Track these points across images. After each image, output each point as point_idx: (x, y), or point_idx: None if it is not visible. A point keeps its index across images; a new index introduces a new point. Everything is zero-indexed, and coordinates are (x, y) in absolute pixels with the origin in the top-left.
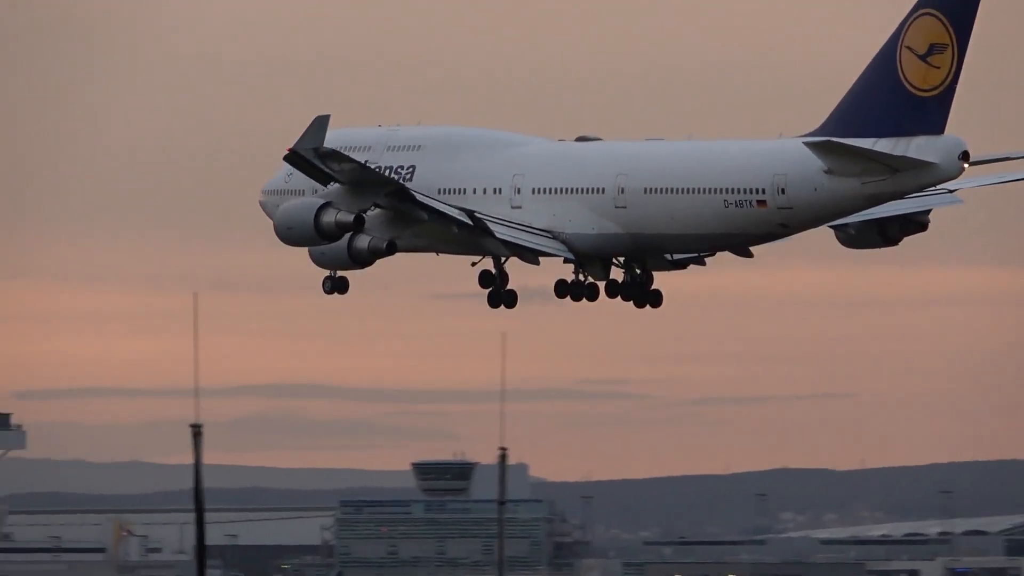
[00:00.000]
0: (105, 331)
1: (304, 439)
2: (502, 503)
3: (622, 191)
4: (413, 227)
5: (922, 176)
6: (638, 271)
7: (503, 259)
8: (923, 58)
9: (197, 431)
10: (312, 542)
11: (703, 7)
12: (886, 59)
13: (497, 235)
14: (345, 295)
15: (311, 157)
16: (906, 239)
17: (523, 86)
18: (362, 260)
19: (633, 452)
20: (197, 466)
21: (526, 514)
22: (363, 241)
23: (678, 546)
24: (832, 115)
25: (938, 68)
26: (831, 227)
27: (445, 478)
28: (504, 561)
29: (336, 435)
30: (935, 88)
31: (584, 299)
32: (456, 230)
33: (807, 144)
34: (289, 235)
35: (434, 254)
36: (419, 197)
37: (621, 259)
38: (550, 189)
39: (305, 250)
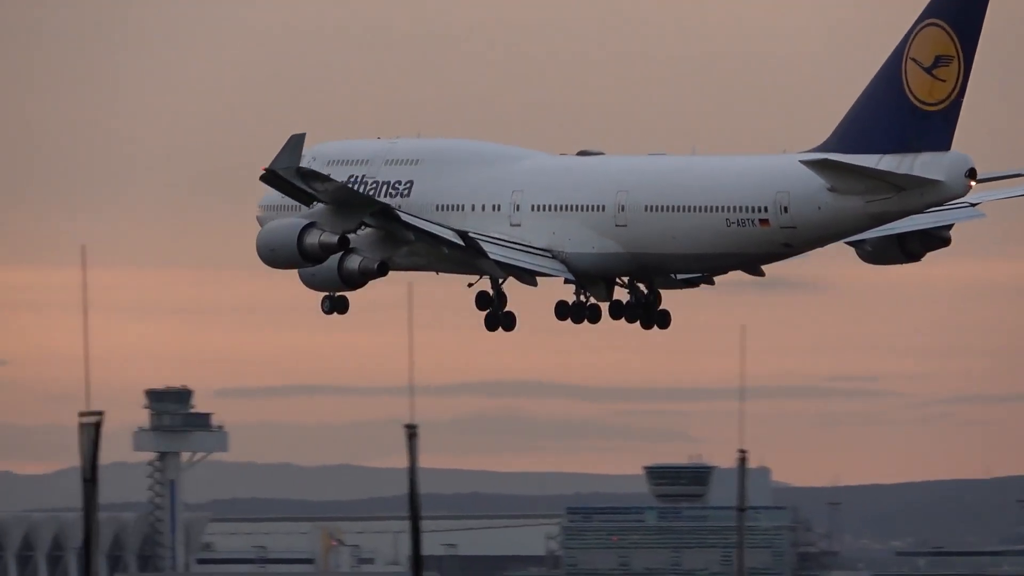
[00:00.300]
0: (309, 325)
1: (527, 440)
2: (742, 510)
3: (622, 209)
4: (405, 246)
5: (928, 195)
6: (645, 291)
7: (501, 280)
8: (929, 70)
9: (412, 432)
10: (536, 552)
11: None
12: (891, 71)
13: (490, 255)
14: (346, 315)
15: (289, 176)
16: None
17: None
18: (353, 281)
19: (883, 454)
20: (412, 470)
21: (768, 522)
22: (354, 261)
23: (933, 557)
24: (837, 129)
25: (944, 81)
26: (847, 243)
27: (680, 483)
28: (744, 573)
29: (562, 436)
30: (941, 102)
31: (586, 321)
32: (447, 250)
33: (804, 162)
34: (272, 257)
35: (434, 273)
36: (404, 217)
37: (625, 279)
38: (550, 206)
39: None
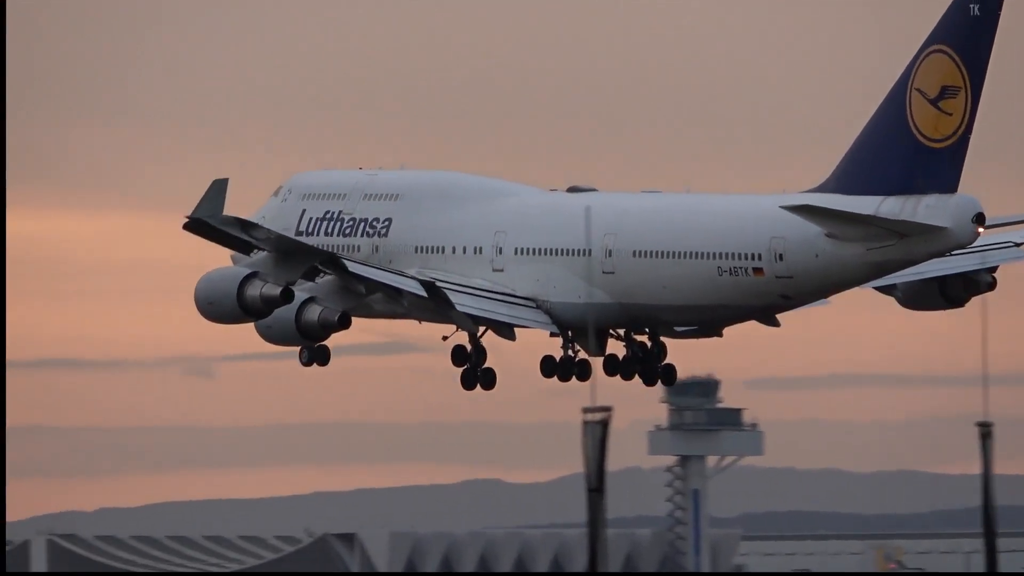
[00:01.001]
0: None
1: None
2: None
3: (609, 254)
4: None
5: (932, 242)
6: (648, 343)
7: (479, 333)
8: (934, 103)
9: (986, 431)
10: None
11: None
12: (895, 104)
13: (458, 307)
14: (327, 366)
15: (217, 224)
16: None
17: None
18: (313, 334)
19: None
20: (986, 476)
21: None
22: (313, 312)
23: None
24: (837, 168)
25: (950, 115)
26: (877, 289)
27: None
28: None
29: None
30: (947, 138)
31: (575, 379)
32: (405, 303)
33: (785, 207)
34: (211, 311)
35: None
36: (351, 267)
37: (621, 330)
38: (534, 250)
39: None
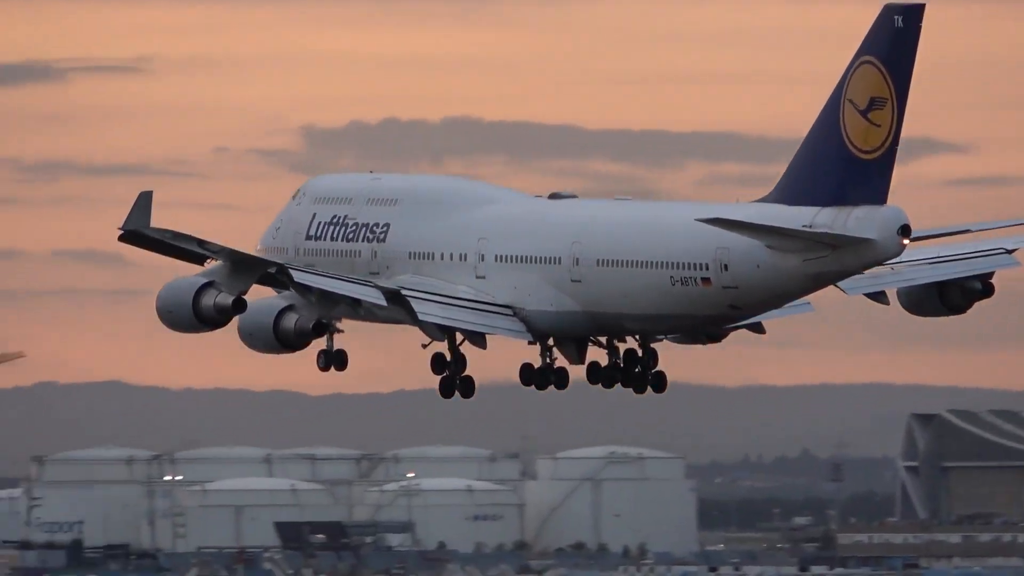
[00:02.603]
0: None
1: None
2: None
3: (577, 262)
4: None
5: (862, 254)
6: (639, 350)
7: (459, 341)
8: (864, 113)
9: None
10: None
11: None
12: (830, 115)
13: (420, 316)
14: (344, 371)
15: (152, 234)
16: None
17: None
18: (291, 343)
19: None
20: None
21: None
22: (289, 320)
23: None
24: (782, 178)
25: (879, 126)
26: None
27: None
28: None
29: None
30: (876, 149)
31: (552, 387)
32: (361, 311)
33: (699, 220)
34: (170, 320)
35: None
36: (298, 277)
37: (604, 338)
38: (512, 257)
39: None
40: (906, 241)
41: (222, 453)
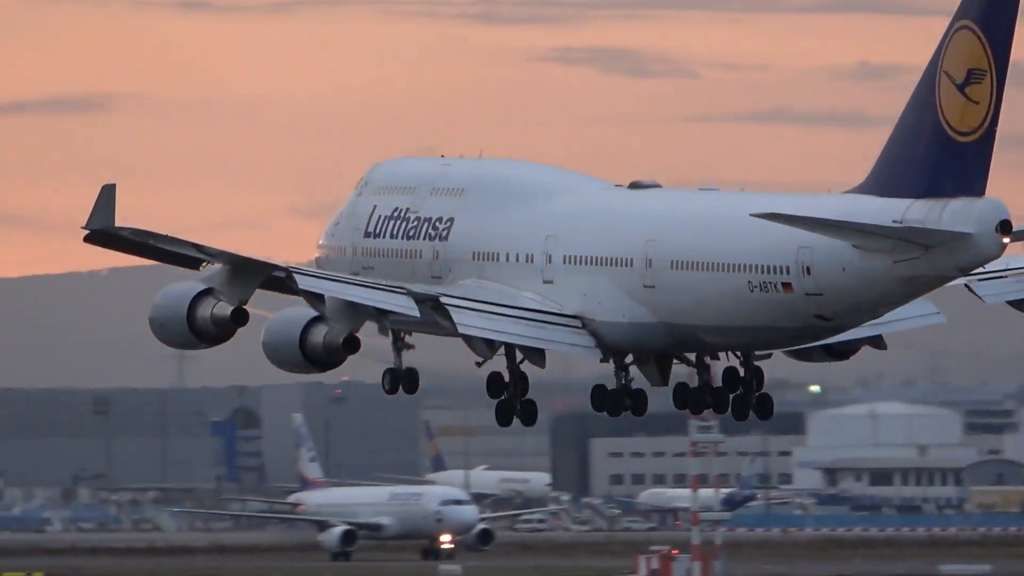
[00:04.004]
0: None
1: None
2: None
3: (650, 264)
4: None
5: (958, 253)
6: (741, 369)
7: (519, 359)
8: (961, 88)
9: None
10: None
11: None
12: (925, 89)
13: (460, 328)
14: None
15: (123, 233)
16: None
17: None
18: (320, 361)
19: None
20: None
21: None
22: (318, 334)
23: None
24: (876, 163)
25: (977, 103)
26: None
27: None
28: None
29: None
30: (974, 131)
31: (631, 412)
32: (388, 323)
33: (755, 216)
34: (163, 334)
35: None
36: (303, 282)
37: (692, 355)
38: (581, 258)
39: None
40: (1007, 239)
41: None
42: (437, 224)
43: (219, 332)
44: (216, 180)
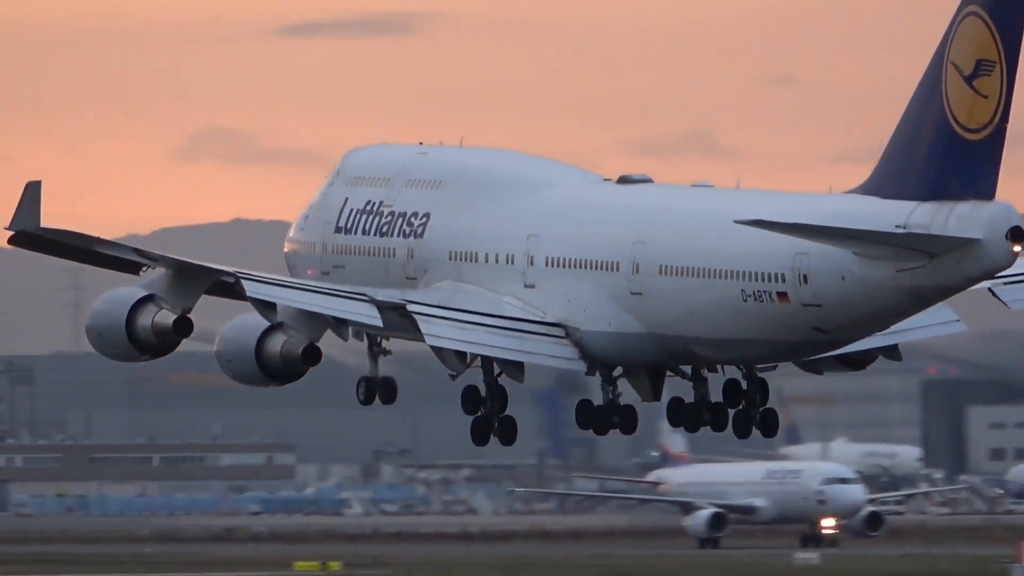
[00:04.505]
0: None
1: None
2: None
3: (637, 269)
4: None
5: (966, 263)
6: (743, 381)
7: (496, 371)
8: (969, 81)
9: None
10: None
11: None
12: (931, 80)
13: (427, 339)
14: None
15: (50, 236)
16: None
17: None
18: (278, 372)
19: None
20: None
21: None
22: (275, 343)
23: None
24: (880, 161)
25: (986, 97)
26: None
27: None
28: None
29: None
30: (983, 128)
31: (618, 431)
32: (350, 333)
33: (740, 222)
34: (101, 344)
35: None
36: (251, 290)
37: (688, 367)
38: (565, 261)
39: None
40: (1018, 248)
41: None
42: (412, 220)
43: (160, 343)
44: (541, 110)
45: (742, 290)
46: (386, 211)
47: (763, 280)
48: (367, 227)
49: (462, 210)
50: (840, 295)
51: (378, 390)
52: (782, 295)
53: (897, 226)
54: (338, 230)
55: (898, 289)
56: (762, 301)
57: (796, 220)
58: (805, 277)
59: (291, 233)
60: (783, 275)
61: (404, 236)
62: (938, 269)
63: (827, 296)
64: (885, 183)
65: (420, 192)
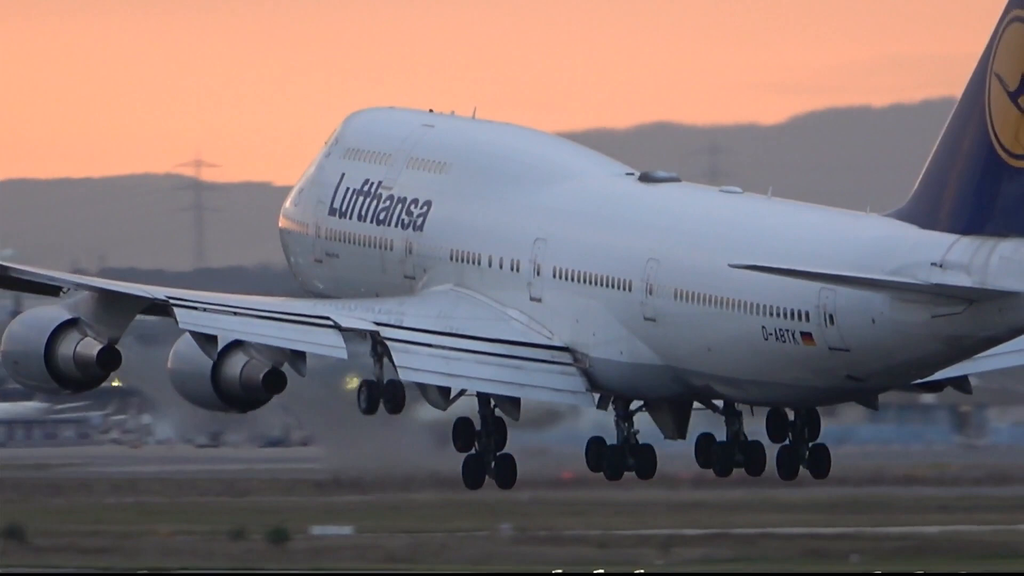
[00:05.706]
0: None
1: None
2: None
3: (651, 291)
4: None
5: (1008, 313)
6: (791, 413)
7: (491, 403)
8: (1014, 98)
9: None
10: None
11: None
12: (973, 95)
13: (400, 372)
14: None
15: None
16: None
17: None
18: (238, 399)
19: None
20: None
21: None
22: (234, 366)
23: None
24: (920, 183)
25: None
26: None
27: None
28: None
29: None
30: None
31: (635, 474)
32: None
33: (733, 266)
34: (17, 374)
35: None
36: (185, 321)
37: (720, 401)
38: (574, 274)
39: None
40: None
41: None
42: (412, 208)
43: (83, 376)
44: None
45: (763, 327)
46: (384, 194)
47: (785, 317)
48: (363, 212)
49: (466, 201)
50: (871, 340)
51: (382, 396)
52: (806, 336)
53: (933, 263)
54: (332, 212)
55: (935, 337)
56: (785, 341)
57: (825, 246)
58: (831, 317)
59: (286, 204)
60: (807, 312)
61: (403, 227)
62: (978, 317)
63: (856, 340)
64: (924, 209)
65: (422, 175)
